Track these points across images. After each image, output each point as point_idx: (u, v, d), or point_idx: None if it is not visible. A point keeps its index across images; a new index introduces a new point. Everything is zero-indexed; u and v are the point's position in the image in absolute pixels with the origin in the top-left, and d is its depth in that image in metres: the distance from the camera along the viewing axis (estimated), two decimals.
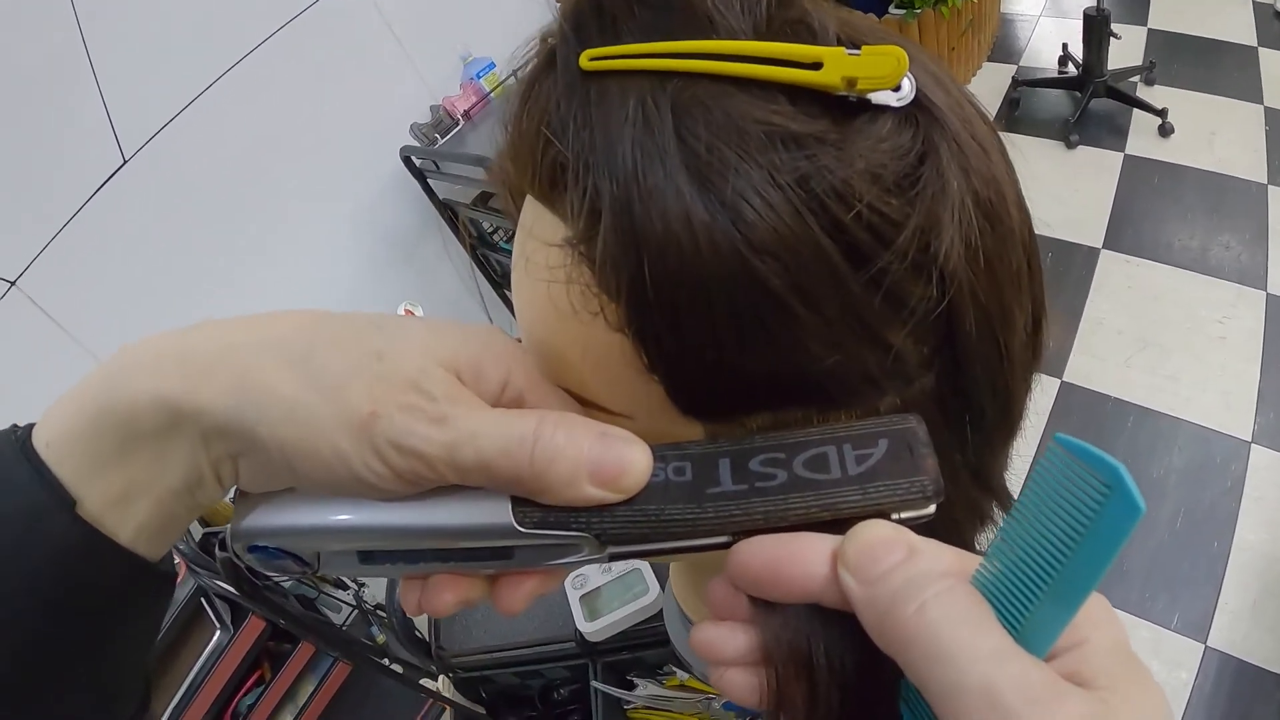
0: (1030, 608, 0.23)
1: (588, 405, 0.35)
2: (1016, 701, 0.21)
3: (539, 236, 0.34)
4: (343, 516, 0.31)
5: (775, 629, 0.29)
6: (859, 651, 0.26)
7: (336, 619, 1.84)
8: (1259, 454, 2.35)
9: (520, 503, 0.30)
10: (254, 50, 2.11)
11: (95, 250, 1.86)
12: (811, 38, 0.32)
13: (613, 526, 0.30)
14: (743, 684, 0.29)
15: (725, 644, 0.29)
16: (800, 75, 0.29)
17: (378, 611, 1.91)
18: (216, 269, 2.11)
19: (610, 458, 0.29)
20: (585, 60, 0.32)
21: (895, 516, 0.29)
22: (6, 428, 0.31)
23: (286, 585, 1.71)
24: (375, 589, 2.00)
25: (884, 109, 0.30)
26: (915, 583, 0.24)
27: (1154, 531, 2.26)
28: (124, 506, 0.30)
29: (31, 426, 0.31)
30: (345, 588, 1.93)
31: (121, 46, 1.85)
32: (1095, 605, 0.25)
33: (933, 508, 0.29)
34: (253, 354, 0.30)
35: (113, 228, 1.89)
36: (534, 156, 0.33)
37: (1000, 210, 0.32)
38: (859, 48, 0.30)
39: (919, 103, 0.30)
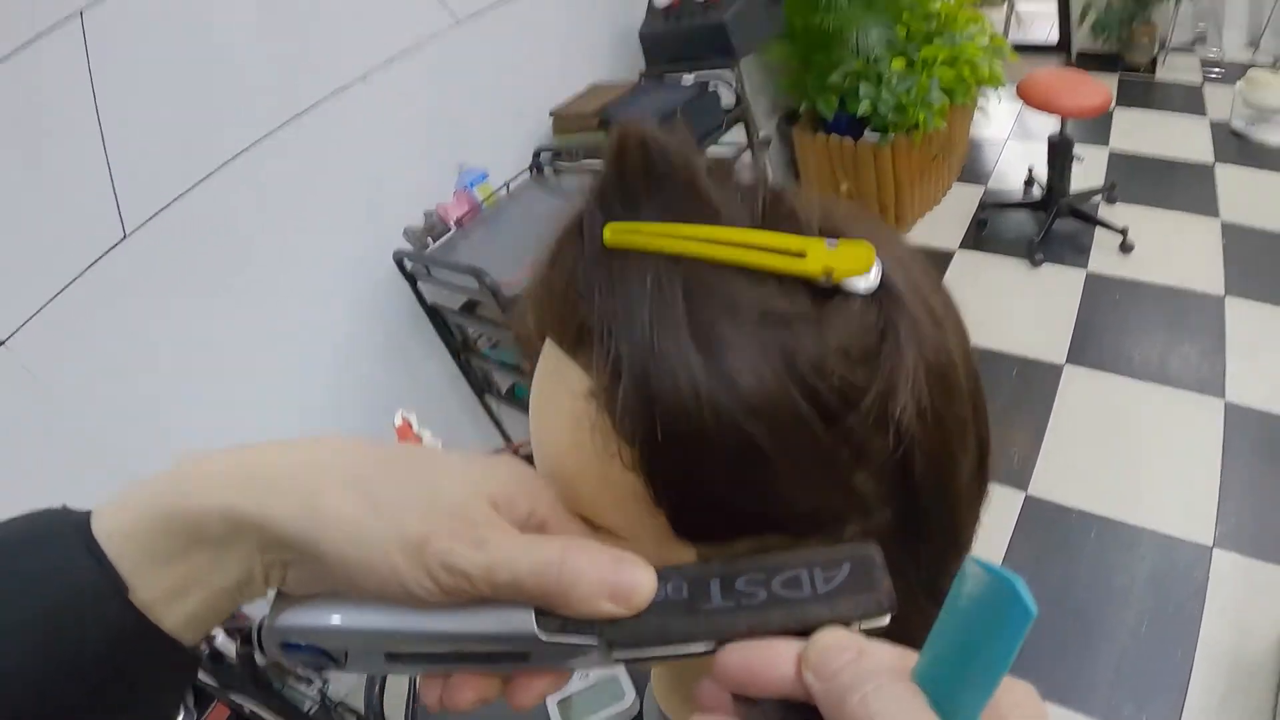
0: (954, 695, 0.28)
1: (597, 529, 0.40)
2: None
3: (565, 385, 0.39)
4: (379, 622, 0.36)
5: None
6: None
7: (301, 707, 1.83)
8: (1221, 558, 2.38)
9: (542, 613, 0.35)
10: (259, 141, 2.19)
11: (87, 320, 1.90)
12: (797, 228, 0.38)
13: (621, 635, 0.34)
14: None
15: None
16: (787, 263, 0.36)
17: (339, 708, 1.90)
18: (205, 351, 2.15)
19: (623, 580, 0.34)
20: (608, 234, 0.38)
21: (855, 626, 0.33)
22: (55, 509, 0.36)
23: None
24: (338, 685, 1.98)
25: (854, 293, 0.36)
26: (861, 677, 0.29)
27: (1119, 638, 2.27)
28: (176, 599, 0.34)
29: (88, 514, 0.35)
30: (310, 682, 1.93)
31: (133, 125, 1.92)
32: (1017, 690, 0.30)
33: (887, 618, 0.34)
34: (319, 477, 0.35)
35: (107, 300, 1.93)
36: (563, 314, 0.39)
37: (948, 374, 0.38)
38: (837, 239, 0.36)
39: (883, 285, 0.36)
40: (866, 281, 0.36)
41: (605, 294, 0.37)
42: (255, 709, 1.51)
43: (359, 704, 1.91)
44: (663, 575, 0.35)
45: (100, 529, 0.34)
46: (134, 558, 0.34)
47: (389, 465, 0.37)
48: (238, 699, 1.51)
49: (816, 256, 0.35)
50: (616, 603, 0.34)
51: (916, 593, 0.41)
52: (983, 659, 0.27)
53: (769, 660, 0.32)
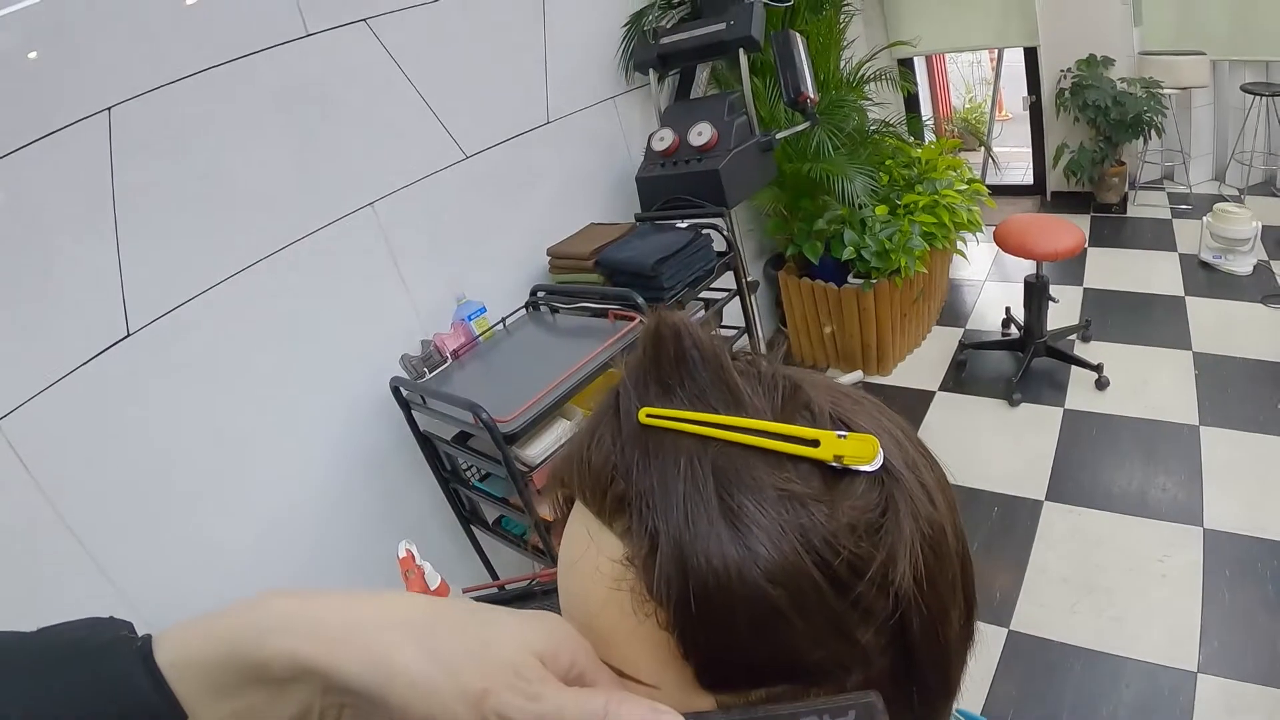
0: None
1: (628, 678, 0.42)
2: None
3: (603, 551, 0.42)
4: None
5: None
6: None
7: None
8: (1205, 682, 2.36)
9: None
10: (267, 257, 2.25)
11: (81, 412, 1.90)
12: (811, 418, 0.43)
13: None
14: None
15: None
16: (804, 450, 0.40)
17: None
18: (196, 458, 2.15)
19: None
20: (644, 416, 0.42)
21: None
22: (106, 620, 0.40)
23: None
24: None
25: (860, 473, 0.41)
26: None
27: None
28: None
29: (149, 638, 0.38)
30: None
31: (147, 226, 1.98)
32: None
33: None
34: (382, 629, 0.38)
35: (104, 394, 1.94)
36: (602, 487, 0.43)
37: (940, 541, 0.43)
38: (846, 428, 0.42)
39: (884, 467, 0.41)
40: (872, 466, 0.41)
41: (642, 471, 0.41)
42: None
43: None
44: None
45: (163, 655, 0.37)
46: (194, 687, 0.37)
47: (449, 622, 0.40)
48: None
49: (829, 445, 0.40)
50: None
51: None
52: None
53: None
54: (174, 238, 2.05)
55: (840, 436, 0.41)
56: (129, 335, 1.99)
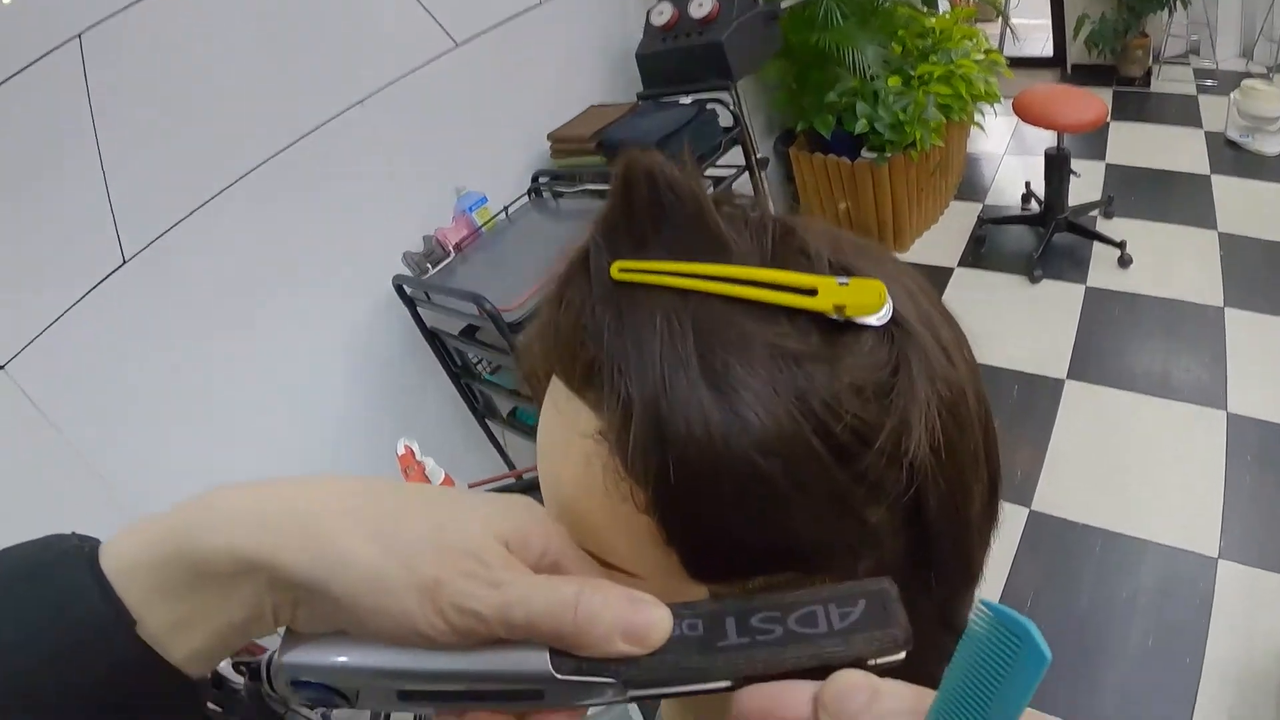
0: None
1: (609, 566, 0.40)
2: None
3: (574, 425, 0.39)
4: (392, 660, 0.35)
5: None
6: None
7: None
8: (1226, 569, 2.37)
9: (557, 652, 0.34)
10: (258, 167, 2.20)
11: (87, 344, 1.90)
12: (808, 264, 0.38)
13: (637, 674, 0.34)
14: None
15: None
16: (799, 300, 0.36)
17: None
18: (204, 376, 2.15)
19: (639, 619, 0.34)
20: (615, 270, 0.38)
21: (872, 662, 0.33)
22: (70, 536, 0.35)
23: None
24: (343, 711, 1.94)
25: (866, 327, 0.36)
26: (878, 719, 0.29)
27: (1126, 651, 2.26)
28: (182, 632, 0.34)
29: (96, 544, 0.35)
30: (313, 706, 1.90)
31: (132, 150, 1.93)
32: None
33: (903, 654, 0.33)
34: (330, 518, 0.35)
35: (106, 325, 1.93)
36: (570, 353, 0.39)
37: (960, 407, 0.38)
38: (849, 275, 0.37)
39: (894, 320, 0.36)
40: (878, 316, 0.36)
41: (614, 332, 0.37)
42: None
43: None
44: (677, 612, 0.35)
45: (109, 561, 0.34)
46: (142, 591, 0.34)
47: (402, 507, 0.36)
48: None
49: (828, 294, 0.35)
50: (632, 643, 0.34)
51: (929, 622, 0.41)
52: (997, 704, 0.27)
53: (786, 702, 0.32)
54: (160, 159, 2.00)
55: (841, 283, 0.36)
56: (125, 263, 1.97)
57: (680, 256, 0.38)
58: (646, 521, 0.36)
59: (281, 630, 0.37)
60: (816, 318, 0.36)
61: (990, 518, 0.43)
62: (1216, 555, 2.42)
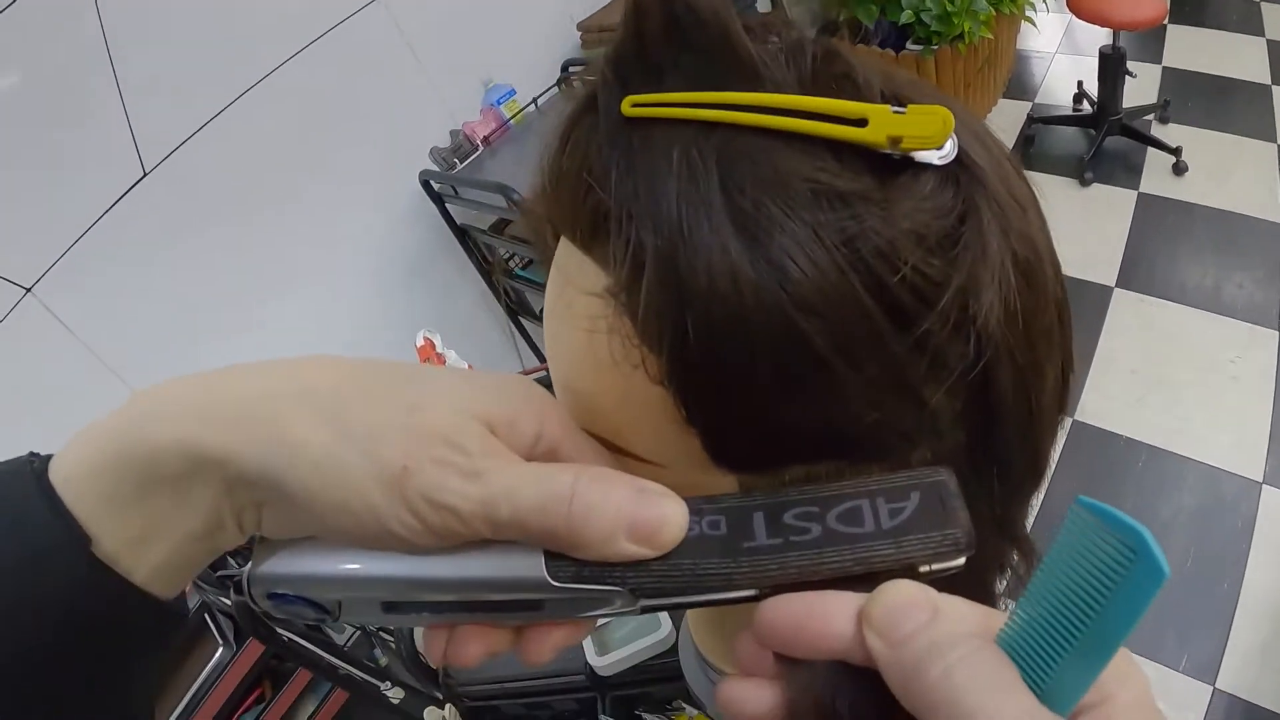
0: (1055, 667, 0.23)
1: (621, 454, 0.36)
2: None
3: (578, 284, 0.34)
4: (369, 567, 0.31)
5: (801, 686, 0.28)
6: (886, 710, 0.26)
7: (339, 639, 1.83)
8: (1270, 495, 2.34)
9: (553, 556, 0.30)
10: (276, 69, 2.15)
11: (111, 261, 1.89)
12: (856, 93, 0.32)
13: (647, 581, 0.30)
14: None
15: (751, 700, 0.29)
16: (846, 132, 0.30)
17: (380, 634, 1.91)
18: (231, 285, 2.14)
19: (647, 514, 0.30)
20: (628, 106, 0.32)
21: (925, 569, 0.29)
22: (24, 455, 0.31)
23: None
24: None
25: (927, 167, 0.30)
26: (941, 645, 0.24)
27: None
28: (140, 547, 0.30)
29: (49, 458, 0.31)
30: (295, 621, 1.94)
31: (145, 60, 1.89)
32: (1120, 660, 0.25)
33: (963, 560, 0.29)
34: (282, 404, 0.30)
35: (130, 239, 1.91)
36: (575, 202, 0.34)
37: (1036, 269, 0.33)
38: (904, 105, 0.30)
39: (960, 161, 0.31)
40: (942, 154, 0.30)
41: (624, 174, 0.31)
42: (293, 638, 1.50)
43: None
44: (696, 508, 0.31)
45: (58, 473, 0.29)
46: (92, 504, 0.29)
47: (366, 386, 0.31)
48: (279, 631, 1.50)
49: (881, 124, 0.29)
50: (640, 543, 0.29)
51: (988, 529, 0.36)
52: (1094, 628, 0.22)
53: (822, 615, 0.27)
54: (174, 66, 1.97)
55: (896, 112, 0.29)
56: (145, 175, 1.94)
57: (703, 87, 0.32)
58: (662, 395, 0.31)
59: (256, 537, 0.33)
60: (867, 154, 0.30)
61: (1060, 407, 0.38)
62: (1262, 480, 2.38)
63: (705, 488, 0.32)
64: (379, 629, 1.86)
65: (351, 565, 0.31)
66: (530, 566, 0.30)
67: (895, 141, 0.29)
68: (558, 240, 0.37)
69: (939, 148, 0.30)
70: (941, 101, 0.32)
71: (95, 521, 0.29)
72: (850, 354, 0.29)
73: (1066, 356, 0.37)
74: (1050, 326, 0.34)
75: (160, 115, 1.94)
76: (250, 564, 0.32)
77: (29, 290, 1.75)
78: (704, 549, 0.30)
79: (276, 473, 0.29)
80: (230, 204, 2.11)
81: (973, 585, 0.29)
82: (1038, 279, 0.33)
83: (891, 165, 0.30)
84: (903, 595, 0.26)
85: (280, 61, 2.16)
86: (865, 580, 0.28)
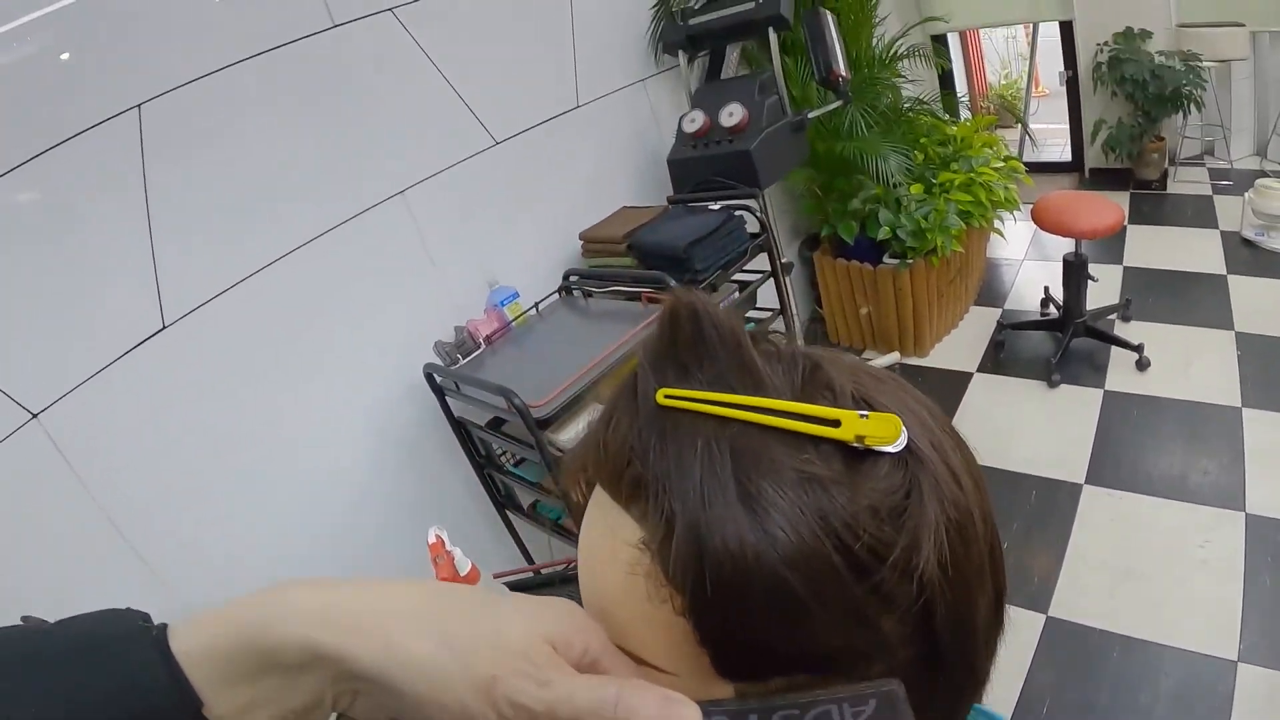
0: None
1: (643, 664, 0.42)
2: None
3: (620, 536, 0.42)
4: None
5: None
6: None
7: None
8: (1246, 672, 2.33)
9: None
10: (300, 248, 2.27)
11: (119, 404, 1.94)
12: (833, 399, 0.42)
13: None
14: None
15: None
16: (824, 431, 0.39)
17: None
18: (232, 447, 2.18)
19: (673, 717, 0.36)
20: (661, 397, 0.42)
21: None
22: (124, 611, 0.39)
23: None
24: None
25: (883, 454, 0.40)
26: None
27: None
28: (246, 715, 0.38)
29: (164, 627, 0.39)
30: None
31: (179, 220, 2.00)
32: None
33: None
34: (395, 618, 0.39)
35: (140, 387, 1.97)
36: (618, 470, 0.42)
37: (967, 525, 0.41)
38: (869, 407, 0.41)
39: (908, 448, 0.40)
40: (895, 447, 0.40)
41: (659, 453, 0.40)
42: None
43: None
44: (706, 710, 0.37)
45: (178, 644, 0.38)
46: (209, 676, 0.37)
47: (459, 609, 0.40)
48: None
49: (850, 426, 0.39)
50: None
51: None
52: None
53: None
54: (206, 232, 2.07)
55: (862, 416, 0.40)
56: (164, 328, 2.02)
57: (719, 387, 0.41)
58: (683, 624, 0.39)
59: (335, 716, 0.41)
60: (840, 446, 0.39)
61: (996, 627, 0.46)
62: (1236, 658, 2.38)
63: (709, 692, 0.40)
64: None
65: None
66: None
67: (860, 439, 0.39)
68: (590, 489, 0.46)
69: (892, 444, 0.40)
70: (897, 394, 0.44)
71: (209, 690, 0.37)
72: (822, 597, 0.37)
73: (999, 587, 0.45)
74: (981, 567, 0.43)
75: (186, 273, 2.03)
76: None
77: (35, 416, 1.80)
78: None
79: (387, 673, 0.38)
80: (241, 370, 2.17)
81: None
82: (968, 532, 0.41)
83: (857, 454, 0.39)
84: None
85: (305, 241, 2.28)
86: None
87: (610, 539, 0.42)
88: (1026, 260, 4.78)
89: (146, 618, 0.40)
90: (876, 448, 0.39)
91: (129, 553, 1.96)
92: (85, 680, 0.36)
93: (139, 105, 1.90)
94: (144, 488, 1.99)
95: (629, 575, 0.41)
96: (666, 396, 0.42)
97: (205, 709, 0.38)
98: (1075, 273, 3.62)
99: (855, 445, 0.39)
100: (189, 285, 2.06)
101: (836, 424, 0.39)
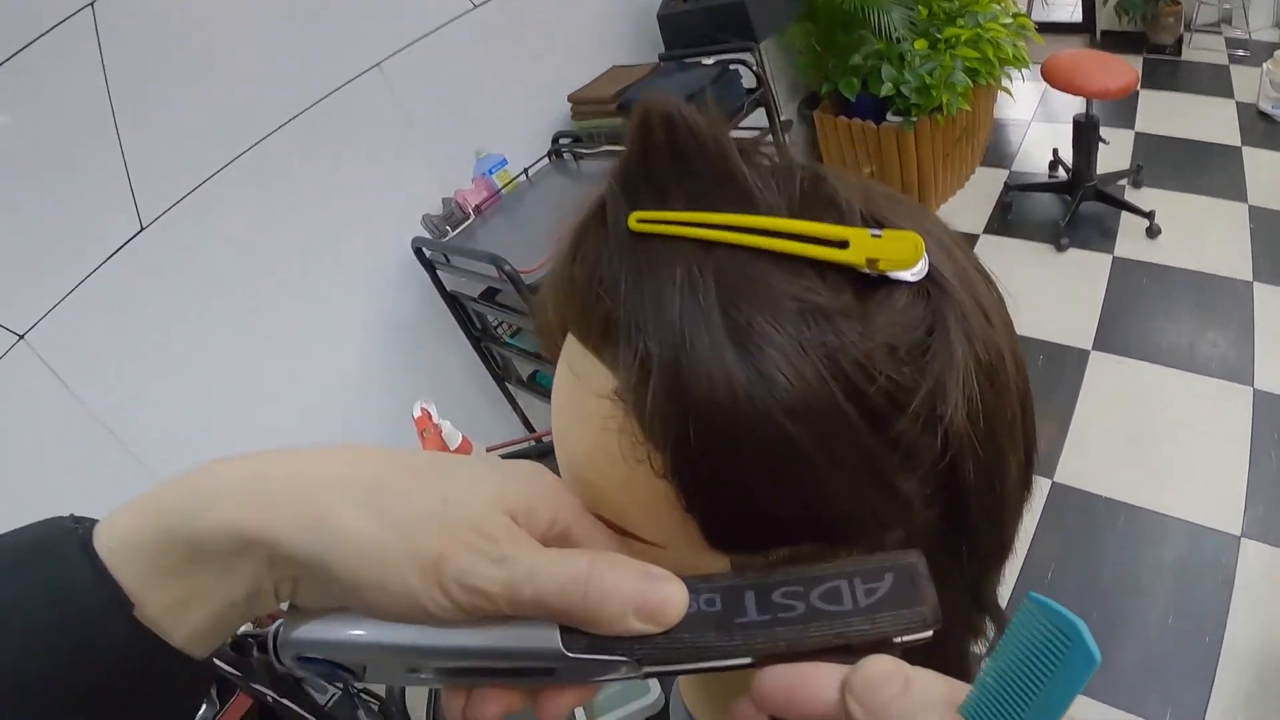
0: None
1: (625, 535, 0.38)
2: None
3: (590, 386, 0.37)
4: (397, 636, 0.34)
5: None
6: None
7: (320, 699, 1.82)
8: (1249, 548, 2.35)
9: (567, 630, 0.33)
10: (275, 131, 2.19)
11: (105, 313, 1.90)
12: (839, 216, 0.36)
13: (652, 652, 0.33)
14: None
15: None
16: (829, 253, 0.33)
17: (361, 695, 1.90)
18: (223, 342, 2.16)
19: (653, 596, 0.33)
20: (634, 221, 0.36)
21: (898, 640, 0.32)
22: (65, 519, 0.34)
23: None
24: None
25: (901, 283, 0.34)
26: (909, 713, 0.28)
27: (1145, 628, 2.25)
28: (181, 612, 0.33)
29: (91, 524, 0.33)
30: (321, 680, 1.91)
31: (147, 117, 1.92)
32: None
33: (931, 633, 0.32)
34: (328, 492, 0.33)
35: (124, 292, 1.93)
36: (587, 309, 0.37)
37: (999, 370, 0.36)
38: (881, 227, 0.35)
39: (930, 277, 0.34)
40: (914, 271, 0.33)
41: (632, 286, 0.35)
42: (278, 699, 1.51)
43: (382, 691, 1.91)
44: (694, 587, 0.34)
45: (103, 543, 0.32)
46: (138, 571, 0.32)
47: (402, 477, 0.35)
48: (260, 689, 1.51)
49: (860, 247, 0.33)
50: (646, 620, 0.33)
51: (959, 597, 0.40)
52: (1038, 704, 0.26)
53: (811, 685, 0.30)
54: (175, 125, 2.00)
55: (874, 235, 0.33)
56: (142, 229, 1.97)
57: (702, 207, 0.35)
58: (664, 487, 0.34)
59: (285, 605, 0.36)
60: (848, 272, 0.34)
61: (1025, 489, 0.41)
62: (1239, 534, 2.39)
63: (701, 567, 0.36)
64: (360, 690, 1.87)
65: (380, 635, 0.34)
66: (546, 639, 0.33)
67: (873, 263, 0.33)
68: (564, 335, 0.40)
69: (911, 268, 0.34)
70: (915, 215, 0.37)
71: (140, 588, 0.32)
72: (831, 452, 0.32)
73: (1030, 445, 0.40)
74: (1013, 420, 0.38)
75: (159, 172, 1.97)
76: (282, 629, 0.35)
77: (21, 337, 1.77)
78: (701, 624, 0.33)
79: (321, 555, 0.32)
80: (224, 261, 2.14)
81: (948, 650, 0.33)
82: (1000, 378, 0.36)
83: (869, 282, 0.34)
84: (880, 669, 0.29)
85: (279, 124, 2.19)
86: (845, 651, 0.31)
87: (579, 391, 0.38)
88: (1035, 121, 4.65)
89: (82, 520, 0.34)
90: (893, 274, 0.33)
91: (129, 460, 1.95)
92: (7, 592, 0.31)
93: (91, 3, 1.80)
94: (139, 394, 1.97)
95: (601, 430, 0.36)
96: (640, 221, 0.36)
97: (137, 609, 0.32)
98: (1086, 134, 3.53)
99: (867, 271, 0.33)
100: (163, 184, 1.99)
101: (844, 245, 0.33)
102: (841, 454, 0.32)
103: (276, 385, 2.29)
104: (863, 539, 0.35)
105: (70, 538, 0.32)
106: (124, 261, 1.92)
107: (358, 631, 0.34)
